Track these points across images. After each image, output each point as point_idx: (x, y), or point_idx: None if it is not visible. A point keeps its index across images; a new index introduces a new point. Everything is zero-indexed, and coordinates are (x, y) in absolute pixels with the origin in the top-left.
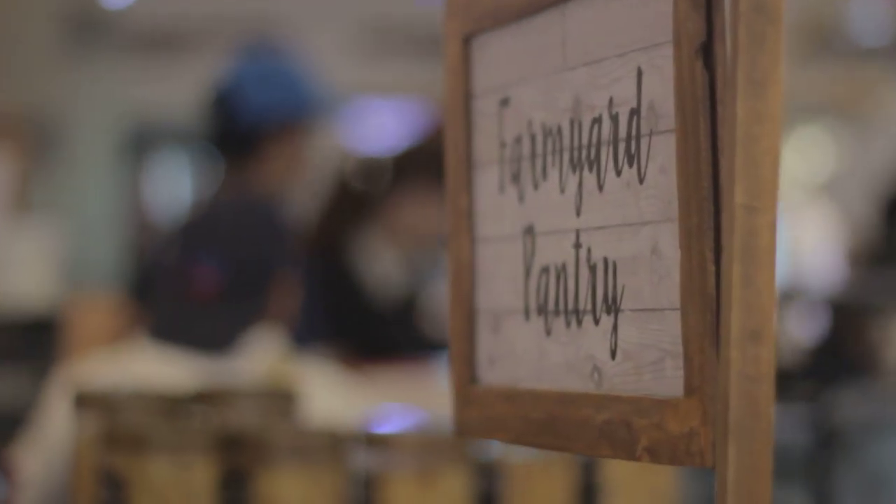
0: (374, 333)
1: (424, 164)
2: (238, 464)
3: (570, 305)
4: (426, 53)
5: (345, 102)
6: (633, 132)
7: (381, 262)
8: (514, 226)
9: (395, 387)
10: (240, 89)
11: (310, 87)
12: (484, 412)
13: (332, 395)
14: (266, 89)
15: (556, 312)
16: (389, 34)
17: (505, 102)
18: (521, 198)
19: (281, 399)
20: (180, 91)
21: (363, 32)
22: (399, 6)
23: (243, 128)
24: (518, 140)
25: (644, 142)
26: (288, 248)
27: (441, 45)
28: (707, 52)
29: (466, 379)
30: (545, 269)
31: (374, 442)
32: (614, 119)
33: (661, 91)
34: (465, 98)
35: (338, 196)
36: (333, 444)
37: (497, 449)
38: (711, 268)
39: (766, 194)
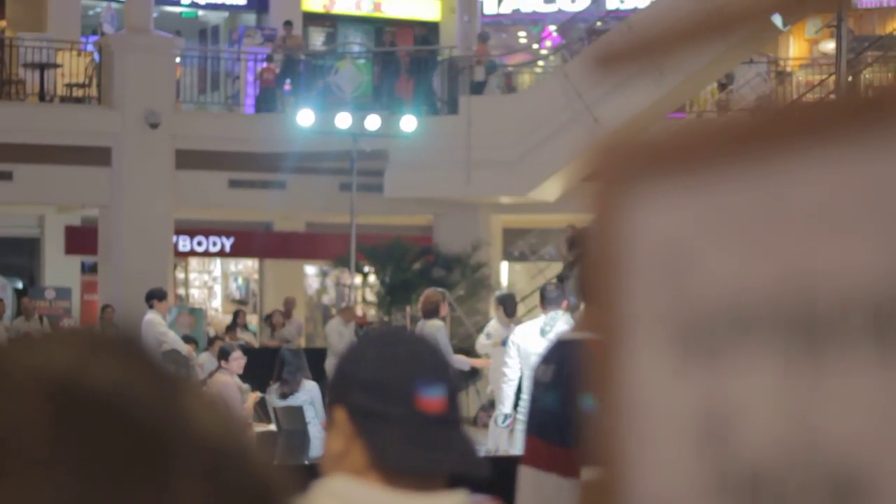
0: None
1: None
2: None
3: None
4: None
5: None
6: None
7: None
8: (696, 412)
9: None
10: None
11: None
12: None
13: None
14: None
15: None
16: None
17: (681, 265)
18: (706, 379)
19: None
20: None
21: None
22: None
23: None
24: (703, 310)
25: None
26: None
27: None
28: None
29: None
30: (752, 472)
31: None
32: (870, 295)
33: None
34: (622, 259)
35: None
36: None
37: None
38: None
39: None
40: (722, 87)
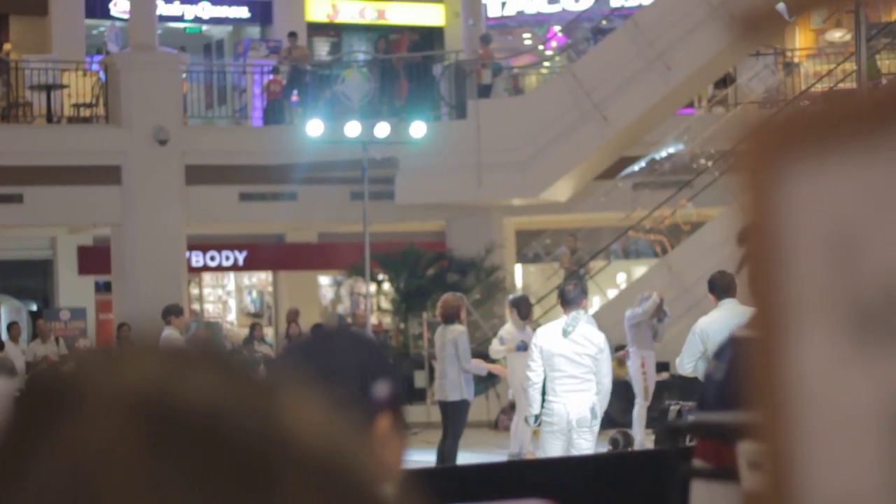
0: None
1: None
2: None
3: None
4: None
5: None
6: None
7: None
8: (878, 403)
9: None
10: None
11: None
12: None
13: None
14: None
15: None
16: None
17: (853, 244)
18: (879, 366)
19: None
20: None
21: None
22: None
23: None
24: (883, 291)
25: None
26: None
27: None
28: None
29: None
30: None
31: None
32: None
33: None
34: (783, 243)
35: None
36: None
37: None
38: None
39: None
40: (720, 83)
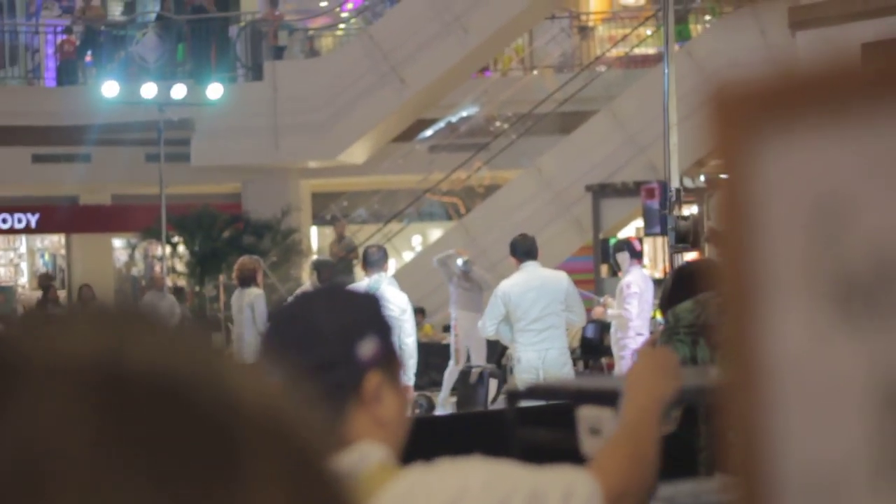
0: None
1: None
2: None
3: None
4: None
5: None
6: None
7: None
8: (856, 376)
9: None
10: None
11: None
12: None
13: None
14: None
15: None
16: None
17: (830, 214)
18: (869, 339)
19: None
20: None
21: None
22: None
23: None
24: (864, 262)
25: None
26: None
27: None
28: None
29: None
30: None
31: None
32: None
33: None
34: (752, 208)
35: None
36: None
37: None
38: None
39: None
40: None
